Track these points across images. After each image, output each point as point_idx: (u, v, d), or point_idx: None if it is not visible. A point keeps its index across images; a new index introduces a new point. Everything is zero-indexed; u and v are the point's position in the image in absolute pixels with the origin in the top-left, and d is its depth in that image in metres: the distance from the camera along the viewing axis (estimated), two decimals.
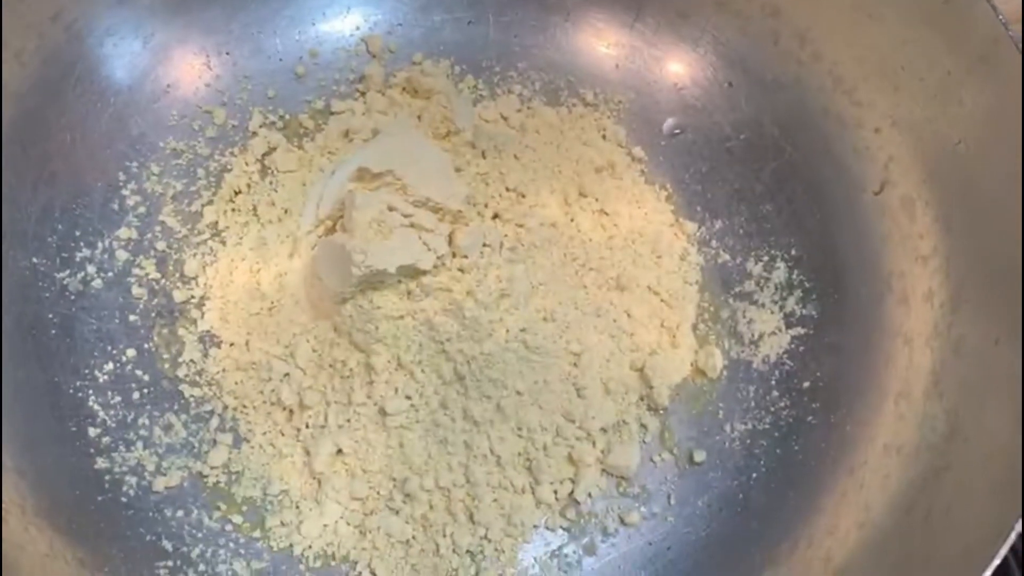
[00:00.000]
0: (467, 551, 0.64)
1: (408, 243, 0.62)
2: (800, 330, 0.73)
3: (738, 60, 0.79)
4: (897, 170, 0.70)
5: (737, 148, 0.79)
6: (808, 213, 0.75)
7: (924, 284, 0.67)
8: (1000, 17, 0.59)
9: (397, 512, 0.64)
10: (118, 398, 0.66)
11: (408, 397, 0.63)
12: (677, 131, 0.80)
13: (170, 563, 0.61)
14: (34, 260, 0.67)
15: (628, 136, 0.80)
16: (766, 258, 0.76)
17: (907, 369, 0.66)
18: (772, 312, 0.74)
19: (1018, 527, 0.49)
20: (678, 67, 0.81)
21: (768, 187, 0.77)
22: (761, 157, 0.78)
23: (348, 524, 0.64)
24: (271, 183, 0.74)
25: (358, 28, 0.81)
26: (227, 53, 0.77)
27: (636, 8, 0.81)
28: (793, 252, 0.75)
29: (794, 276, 0.74)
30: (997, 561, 0.48)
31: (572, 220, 0.73)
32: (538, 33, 0.82)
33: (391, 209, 0.63)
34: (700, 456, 0.69)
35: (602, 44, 0.82)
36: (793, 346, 0.72)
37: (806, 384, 0.71)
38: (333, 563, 0.64)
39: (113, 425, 0.65)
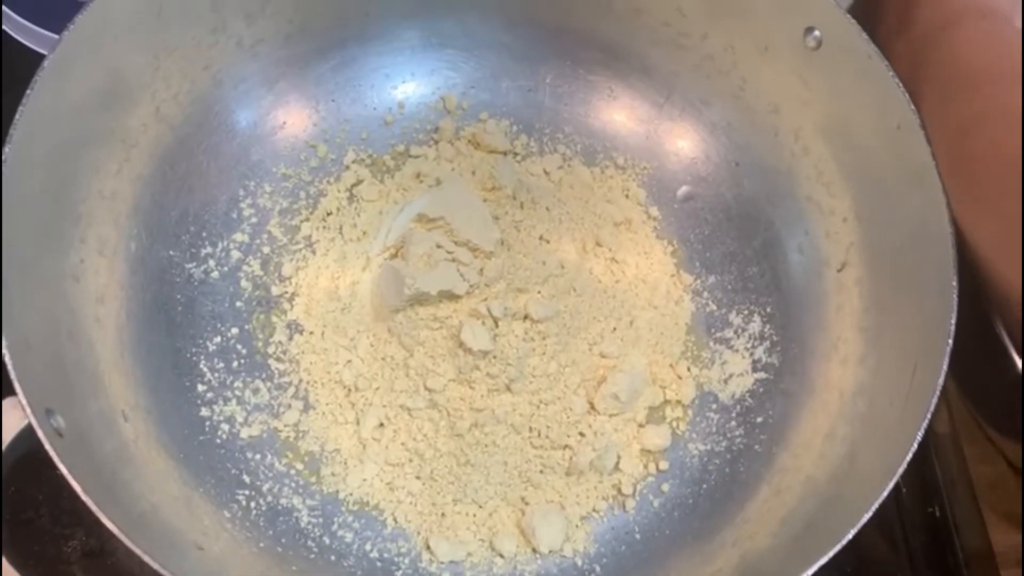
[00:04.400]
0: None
1: (448, 273, 0.81)
2: (763, 375, 0.88)
3: (745, 145, 0.94)
4: (855, 255, 0.85)
5: (736, 218, 0.94)
6: (785, 279, 0.91)
7: (861, 350, 0.82)
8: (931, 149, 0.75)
9: (418, 476, 0.83)
10: (221, 364, 0.86)
11: (430, 390, 0.82)
12: (689, 198, 0.97)
13: (247, 492, 0.80)
14: (170, 252, 0.86)
15: (647, 197, 0.96)
16: (746, 312, 0.91)
17: (837, 416, 0.81)
18: (744, 357, 0.90)
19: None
20: (696, 144, 0.97)
21: (757, 253, 0.93)
22: (754, 228, 0.93)
23: (381, 481, 0.83)
24: (355, 209, 0.93)
25: (439, 88, 0.99)
26: (333, 100, 0.96)
27: (667, 92, 0.97)
28: (768, 309, 0.91)
29: (766, 329, 0.90)
30: None
31: (585, 263, 0.90)
32: (584, 104, 0.99)
33: (439, 247, 0.82)
34: (664, 465, 0.86)
35: (635, 118, 0.99)
36: (755, 387, 0.88)
37: (759, 419, 0.86)
38: (367, 508, 0.82)
39: (216, 384, 0.85)
